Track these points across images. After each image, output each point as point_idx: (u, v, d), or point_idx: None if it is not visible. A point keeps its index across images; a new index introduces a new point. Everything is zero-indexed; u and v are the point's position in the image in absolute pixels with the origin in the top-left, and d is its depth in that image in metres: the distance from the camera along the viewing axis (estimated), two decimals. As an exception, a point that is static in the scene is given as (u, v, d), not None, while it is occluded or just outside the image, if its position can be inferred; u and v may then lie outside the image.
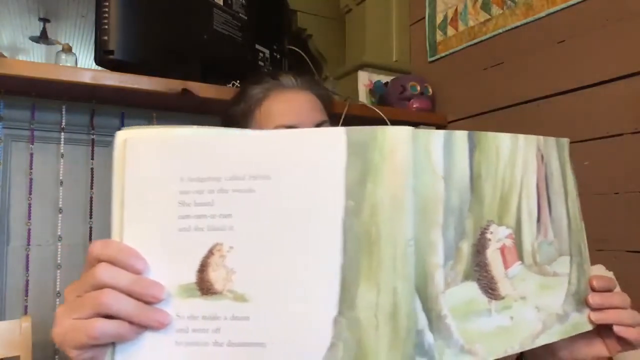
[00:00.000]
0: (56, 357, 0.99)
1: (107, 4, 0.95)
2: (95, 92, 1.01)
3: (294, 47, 1.59)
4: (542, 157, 0.45)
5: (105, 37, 0.95)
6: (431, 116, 1.46)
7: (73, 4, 3.45)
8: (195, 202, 0.33)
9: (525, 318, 0.41)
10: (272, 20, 1.44)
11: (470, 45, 1.40)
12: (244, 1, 1.25)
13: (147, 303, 0.33)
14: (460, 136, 0.39)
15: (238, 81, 1.19)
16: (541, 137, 0.45)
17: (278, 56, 1.41)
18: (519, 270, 0.41)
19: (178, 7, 1.09)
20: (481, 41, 1.37)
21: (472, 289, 0.38)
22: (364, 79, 1.50)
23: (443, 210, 0.37)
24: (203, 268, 0.33)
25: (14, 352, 0.82)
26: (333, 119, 0.72)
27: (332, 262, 0.32)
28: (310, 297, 0.32)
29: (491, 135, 0.41)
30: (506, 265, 0.40)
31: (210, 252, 0.33)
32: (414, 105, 1.42)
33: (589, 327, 0.45)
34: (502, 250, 0.40)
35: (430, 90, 1.47)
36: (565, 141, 0.49)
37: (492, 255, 0.40)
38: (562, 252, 0.45)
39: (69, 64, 2.01)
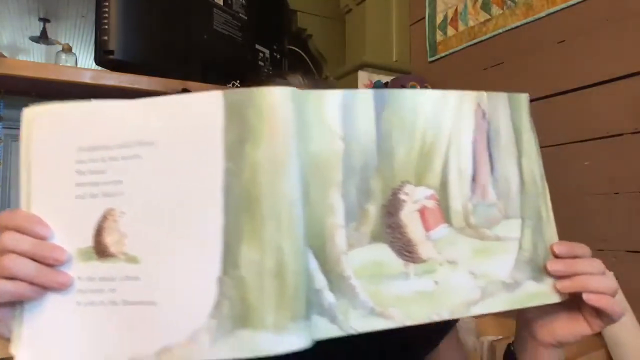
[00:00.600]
0: (56, 357, 0.99)
1: (107, 4, 0.95)
2: (95, 92, 1.01)
3: (294, 47, 1.59)
4: (484, 113, 0.42)
5: (105, 37, 0.95)
6: (431, 116, 1.45)
7: (73, 4, 3.45)
8: (90, 170, 0.35)
9: (455, 284, 0.38)
10: (272, 20, 1.44)
11: (470, 45, 1.40)
12: (244, 1, 1.25)
13: (50, 266, 0.35)
14: (364, 95, 0.38)
15: (238, 81, 1.19)
16: (484, 93, 0.43)
17: (278, 56, 1.41)
18: (445, 232, 0.39)
19: (178, 7, 1.09)
20: (481, 41, 1.37)
21: (382, 251, 0.37)
22: (364, 79, 1.50)
23: (342, 170, 0.37)
24: (99, 232, 0.35)
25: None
26: None
27: (214, 223, 0.33)
28: (194, 258, 0.33)
29: (409, 92, 0.40)
30: (427, 227, 0.39)
31: (105, 217, 0.35)
32: (414, 105, 1.42)
33: (556, 299, 0.42)
34: (422, 211, 0.39)
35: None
36: (523, 97, 0.46)
37: (409, 216, 0.38)
38: (509, 215, 0.42)
39: (69, 64, 2.01)
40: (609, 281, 0.42)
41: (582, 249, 0.44)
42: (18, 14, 3.61)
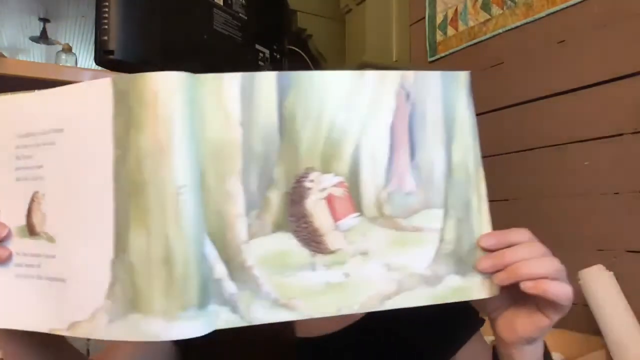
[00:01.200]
0: (56, 357, 0.99)
1: (107, 4, 0.95)
2: (95, 92, 1.01)
3: (294, 47, 1.58)
4: (408, 95, 0.39)
5: (105, 37, 0.95)
6: (431, 116, 1.45)
7: (73, 4, 3.45)
8: (23, 155, 0.38)
9: (367, 276, 0.37)
10: (272, 20, 1.44)
11: (470, 45, 1.40)
12: (244, 1, 1.25)
13: None
14: (266, 78, 0.36)
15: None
16: (411, 73, 0.39)
17: (278, 56, 1.41)
18: (356, 222, 0.37)
19: (178, 7, 1.09)
20: (481, 41, 1.37)
21: (286, 241, 0.36)
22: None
23: (242, 157, 0.35)
24: (29, 213, 0.38)
25: (14, 352, 0.81)
26: None
27: (107, 208, 0.34)
28: (92, 240, 0.35)
29: (318, 74, 0.37)
30: (336, 217, 0.37)
31: (32, 199, 0.38)
32: (414, 105, 1.42)
33: (485, 294, 0.39)
34: (330, 200, 0.37)
35: (430, 90, 1.47)
36: (462, 75, 0.42)
37: (315, 205, 0.37)
38: (429, 205, 0.39)
39: (69, 64, 2.01)
40: (547, 263, 0.38)
41: (518, 234, 0.40)
42: (18, 14, 3.61)
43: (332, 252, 0.37)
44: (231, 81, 0.36)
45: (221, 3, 1.18)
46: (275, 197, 0.36)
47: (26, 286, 0.38)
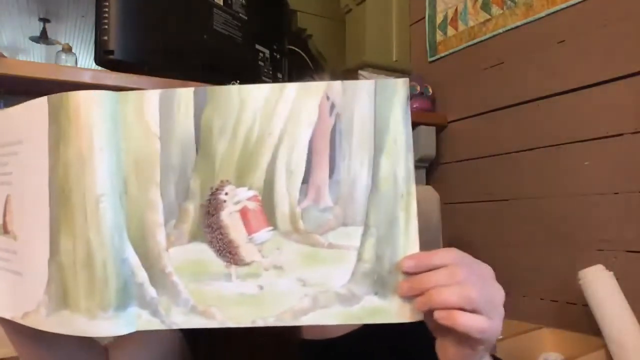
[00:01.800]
0: (56, 357, 0.99)
1: (107, 4, 0.95)
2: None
3: (294, 47, 1.59)
4: (333, 106, 0.38)
5: (105, 37, 0.95)
6: (431, 116, 1.46)
7: (73, 4, 3.45)
8: (1, 162, 0.42)
9: (282, 290, 0.37)
10: (272, 20, 1.44)
11: (470, 45, 1.40)
12: (244, 1, 1.25)
13: None
14: (184, 93, 0.37)
15: (238, 81, 1.19)
16: (338, 83, 0.38)
17: (278, 56, 1.41)
18: (269, 236, 0.38)
19: (178, 7, 1.09)
20: (481, 41, 1.37)
21: (201, 251, 0.37)
22: (364, 79, 1.50)
23: (160, 168, 0.37)
24: (4, 213, 0.42)
25: (14, 352, 0.82)
26: None
27: (44, 213, 0.38)
28: (37, 241, 0.38)
29: (235, 88, 0.38)
30: (250, 230, 0.38)
31: (5, 201, 0.41)
32: (414, 105, 1.42)
33: (405, 318, 0.37)
34: (244, 213, 0.38)
35: (430, 90, 1.47)
36: (399, 83, 0.38)
37: (229, 217, 0.37)
38: (347, 222, 0.38)
39: (69, 64, 2.01)
40: (464, 292, 0.35)
41: (442, 257, 0.37)
42: (18, 14, 3.61)
43: (246, 264, 0.37)
44: (151, 97, 0.38)
45: (221, 3, 1.18)
46: (192, 208, 0.38)
47: (1, 277, 0.42)
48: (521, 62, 1.26)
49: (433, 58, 1.53)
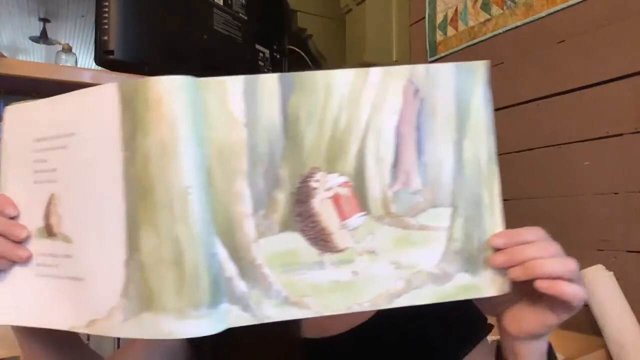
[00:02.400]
0: (56, 357, 0.99)
1: (107, 4, 0.95)
2: (95, 92, 1.01)
3: (294, 47, 1.58)
4: (417, 91, 0.38)
5: (105, 37, 0.95)
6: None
7: (73, 4, 3.45)
8: (40, 159, 0.39)
9: (375, 274, 0.37)
10: (272, 20, 1.44)
11: (470, 45, 1.40)
12: (244, 1, 1.25)
13: (15, 242, 0.40)
14: (268, 80, 0.36)
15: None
16: (421, 67, 0.38)
17: (278, 56, 1.41)
18: (363, 221, 0.37)
19: (178, 7, 1.09)
20: (481, 41, 1.37)
21: (293, 240, 0.36)
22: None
23: (247, 158, 0.36)
24: (47, 214, 0.39)
25: (14, 352, 0.82)
26: None
27: (119, 209, 0.35)
28: (107, 241, 0.35)
29: (321, 74, 0.37)
30: (343, 216, 0.37)
31: (49, 201, 0.39)
32: (414, 105, 1.42)
33: (494, 291, 0.38)
34: (337, 199, 0.37)
35: (430, 90, 1.47)
36: (480, 66, 0.40)
37: (321, 205, 0.37)
38: (436, 203, 0.38)
39: (69, 64, 2.01)
40: (563, 264, 0.38)
41: (532, 233, 0.40)
42: (18, 14, 3.61)
43: (340, 250, 0.37)
44: (234, 84, 0.36)
45: (221, 3, 1.18)
46: (282, 197, 0.36)
47: (46, 285, 0.39)
48: (521, 62, 1.26)
49: (433, 58, 1.53)
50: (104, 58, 0.96)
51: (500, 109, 1.31)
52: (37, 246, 0.40)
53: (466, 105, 0.39)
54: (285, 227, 0.36)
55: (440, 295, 0.38)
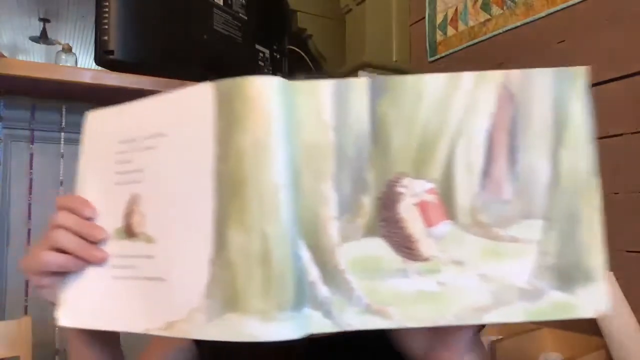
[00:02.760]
0: (56, 357, 0.99)
1: (107, 4, 0.95)
2: (95, 92, 1.01)
3: (294, 47, 1.59)
4: (512, 96, 0.36)
5: (105, 37, 0.95)
6: (431, 116, 1.46)
7: (73, 4, 3.45)
8: (123, 160, 0.40)
9: (463, 286, 0.35)
10: (272, 20, 1.44)
11: (470, 45, 1.40)
12: (244, 1, 1.25)
13: (92, 242, 0.40)
14: (359, 84, 0.36)
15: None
16: (516, 72, 0.37)
17: (278, 56, 1.41)
18: (448, 229, 0.36)
19: (178, 7, 1.09)
20: (481, 41, 1.37)
21: (377, 246, 0.35)
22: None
23: (335, 160, 0.36)
24: (127, 215, 0.39)
25: (14, 352, 0.82)
26: None
27: (206, 207, 0.35)
28: (191, 239, 0.35)
29: (411, 78, 0.36)
30: (429, 223, 0.36)
31: (131, 201, 0.39)
32: (414, 105, 1.42)
33: (590, 313, 0.36)
34: (423, 206, 0.36)
35: (430, 90, 1.47)
36: (579, 72, 0.39)
37: (407, 210, 0.36)
38: (529, 215, 0.36)
39: (69, 64, 2.01)
40: None
41: None
42: (18, 14, 3.61)
43: (425, 259, 0.35)
44: (325, 87, 0.36)
45: (221, 3, 1.18)
46: (367, 201, 0.36)
47: (122, 287, 0.39)
48: (521, 62, 1.26)
49: (433, 58, 1.53)
50: (104, 58, 0.96)
51: (500, 109, 1.31)
52: (114, 247, 0.39)
53: (564, 114, 0.38)
54: (369, 232, 0.36)
55: (533, 313, 0.36)
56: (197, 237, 0.35)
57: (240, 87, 0.35)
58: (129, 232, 0.39)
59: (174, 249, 0.36)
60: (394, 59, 1.60)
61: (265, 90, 0.35)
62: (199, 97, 0.36)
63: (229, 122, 0.35)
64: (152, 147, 0.38)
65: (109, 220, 0.40)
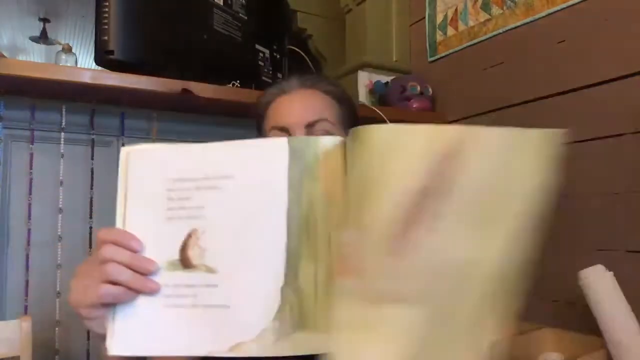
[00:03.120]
0: (56, 357, 0.99)
1: (107, 4, 0.95)
2: (95, 92, 1.01)
3: (294, 47, 1.59)
4: (456, 155, 0.36)
5: (105, 37, 0.95)
6: (431, 116, 1.46)
7: (73, 4, 3.45)
8: (179, 197, 0.42)
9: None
10: (272, 20, 1.44)
11: (470, 45, 1.40)
12: (244, 1, 1.25)
13: (143, 274, 0.42)
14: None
15: (238, 81, 1.19)
16: (474, 130, 0.36)
17: (278, 56, 1.41)
18: None
19: (178, 7, 1.09)
20: (481, 41, 1.37)
21: None
22: (364, 79, 1.50)
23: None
24: (184, 247, 0.42)
25: (14, 352, 0.82)
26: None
27: (279, 242, 0.40)
28: (263, 270, 0.40)
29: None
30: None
31: (189, 235, 0.42)
32: (414, 105, 1.42)
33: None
34: None
35: (430, 90, 1.47)
36: (544, 137, 0.38)
37: None
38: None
39: (69, 64, 2.01)
40: None
41: None
42: (18, 14, 3.61)
43: None
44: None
45: (221, 3, 1.18)
46: None
47: (176, 315, 0.42)
48: (521, 62, 1.26)
49: (433, 58, 1.53)
50: (104, 58, 0.96)
51: (500, 109, 1.31)
52: (167, 278, 0.42)
53: (514, 187, 0.38)
54: None
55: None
56: (267, 268, 0.40)
57: (312, 144, 0.41)
58: (185, 263, 0.42)
59: (241, 278, 0.41)
60: (394, 59, 1.60)
61: (332, 149, 0.40)
62: (273, 148, 0.41)
63: (301, 172, 0.40)
64: (214, 186, 0.42)
65: (160, 252, 0.42)
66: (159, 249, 0.42)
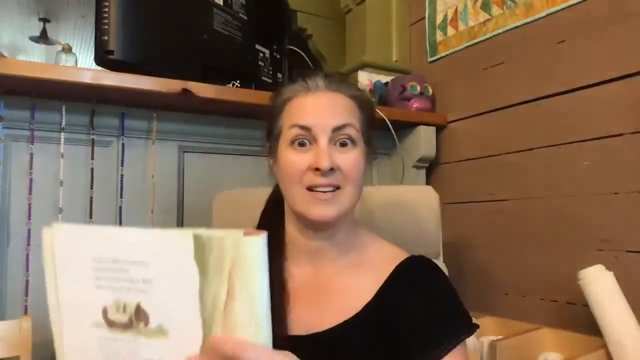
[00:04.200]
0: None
1: (107, 4, 0.95)
2: (95, 92, 1.01)
3: (294, 47, 1.59)
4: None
5: (105, 37, 0.95)
6: (431, 116, 1.46)
7: (73, 4, 3.45)
8: (104, 272, 0.47)
9: None
10: (272, 20, 1.44)
11: (470, 45, 1.40)
12: (244, 1, 1.25)
13: None
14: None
15: (238, 81, 1.19)
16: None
17: (278, 56, 1.41)
18: None
19: (178, 7, 1.09)
20: (481, 41, 1.37)
21: None
22: (364, 79, 1.50)
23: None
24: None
25: (14, 352, 0.82)
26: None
27: (197, 318, 0.45)
28: (186, 336, 0.45)
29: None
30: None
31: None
32: (414, 105, 1.42)
33: None
34: None
35: (430, 90, 1.47)
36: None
37: None
38: None
39: (69, 64, 2.01)
40: None
41: None
42: (18, 14, 3.61)
43: None
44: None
45: (221, 3, 1.18)
46: None
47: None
48: (521, 62, 1.26)
49: (433, 58, 1.53)
50: (104, 58, 0.96)
51: (500, 109, 1.31)
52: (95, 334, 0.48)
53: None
54: None
55: None
56: (191, 336, 0.45)
57: (215, 243, 0.43)
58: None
59: (172, 346, 0.46)
60: (394, 59, 1.60)
61: (228, 248, 0.43)
62: (178, 239, 0.44)
63: (205, 267, 0.44)
64: (130, 270, 0.45)
65: (88, 313, 0.48)
66: (87, 310, 0.48)
